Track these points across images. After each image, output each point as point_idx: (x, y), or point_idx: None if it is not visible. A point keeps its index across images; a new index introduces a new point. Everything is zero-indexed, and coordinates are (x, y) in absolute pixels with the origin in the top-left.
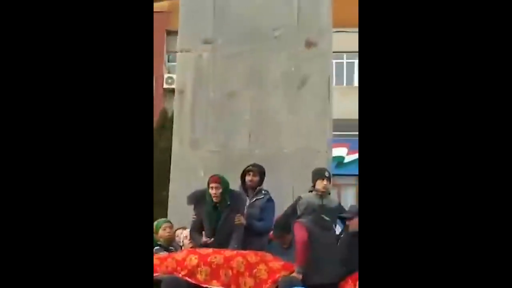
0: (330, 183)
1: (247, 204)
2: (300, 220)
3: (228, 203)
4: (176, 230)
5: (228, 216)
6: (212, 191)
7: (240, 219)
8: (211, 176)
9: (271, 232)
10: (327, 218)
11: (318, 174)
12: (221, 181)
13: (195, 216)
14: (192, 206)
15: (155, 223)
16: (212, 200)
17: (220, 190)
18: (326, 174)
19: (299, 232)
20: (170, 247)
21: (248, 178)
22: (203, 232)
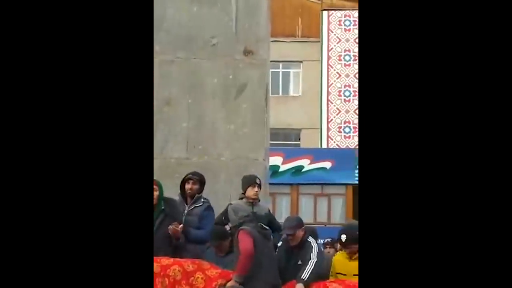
0: (260, 190)
1: (186, 211)
2: (245, 228)
3: (163, 208)
4: None
5: (162, 221)
6: None
7: (176, 228)
8: None
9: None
10: (267, 227)
11: (249, 181)
12: (158, 185)
13: None
14: None
15: None
16: None
17: (157, 193)
18: (257, 181)
19: (245, 241)
20: None
21: (187, 186)
22: None
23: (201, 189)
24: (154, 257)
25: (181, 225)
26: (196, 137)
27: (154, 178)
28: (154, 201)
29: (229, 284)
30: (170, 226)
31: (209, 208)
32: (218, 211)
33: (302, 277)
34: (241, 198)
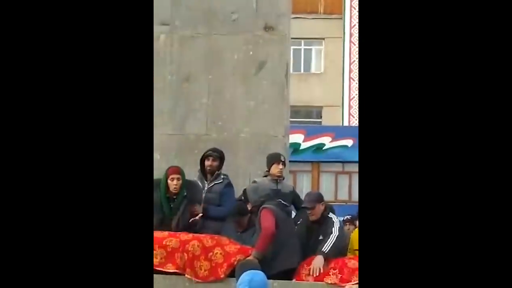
0: (285, 168)
1: (205, 188)
2: (268, 206)
3: (185, 194)
4: None
5: (186, 207)
6: (173, 183)
7: (197, 210)
8: (171, 168)
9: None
10: (287, 204)
11: (274, 159)
12: (181, 173)
13: None
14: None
15: None
16: (166, 191)
17: (180, 182)
18: (282, 158)
19: (268, 219)
20: None
21: (207, 163)
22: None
23: (220, 166)
24: (173, 233)
25: (199, 214)
26: (215, 113)
27: (173, 156)
28: (177, 189)
29: (248, 258)
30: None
31: (229, 185)
32: (237, 187)
33: (322, 249)
34: (266, 176)
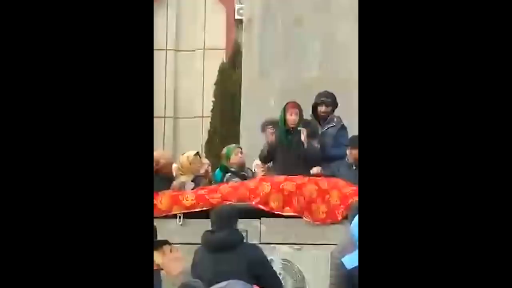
0: None
1: (320, 132)
2: None
3: (300, 128)
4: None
5: (300, 141)
6: (292, 117)
7: (314, 143)
8: (289, 103)
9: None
10: None
11: None
12: (299, 108)
13: (265, 144)
14: (264, 135)
15: (225, 149)
16: (285, 126)
17: (298, 117)
18: None
19: None
20: (242, 172)
21: (320, 109)
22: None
23: (333, 109)
24: (290, 177)
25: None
26: (328, 55)
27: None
28: (295, 124)
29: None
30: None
31: (343, 128)
32: (351, 129)
33: None
34: None
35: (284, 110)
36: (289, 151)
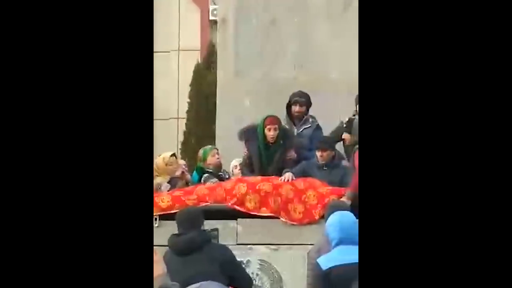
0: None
1: (295, 134)
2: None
3: (281, 142)
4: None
5: (281, 155)
6: (270, 133)
7: (292, 155)
8: (268, 117)
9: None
10: None
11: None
12: (278, 123)
13: (246, 152)
14: (239, 138)
15: (201, 150)
16: (265, 139)
17: (277, 132)
18: None
19: None
20: (219, 174)
21: (294, 108)
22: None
23: (307, 110)
24: (266, 177)
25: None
26: (303, 55)
27: (263, 102)
28: (274, 139)
29: (341, 199)
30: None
31: (318, 128)
32: (327, 129)
33: None
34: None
35: (263, 125)
36: (269, 164)
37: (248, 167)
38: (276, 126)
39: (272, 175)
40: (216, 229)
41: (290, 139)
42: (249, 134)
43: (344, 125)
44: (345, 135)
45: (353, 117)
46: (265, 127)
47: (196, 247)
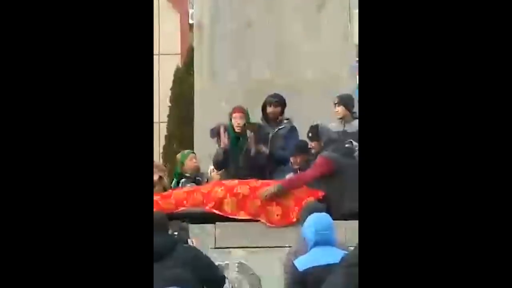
0: (354, 108)
1: (271, 135)
2: (325, 154)
3: (249, 132)
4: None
5: (247, 148)
6: (235, 121)
7: (261, 148)
8: (234, 107)
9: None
10: (349, 144)
11: (342, 100)
12: (244, 112)
13: (217, 150)
14: (215, 140)
15: (179, 155)
16: (234, 132)
17: (244, 121)
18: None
19: (317, 169)
20: (197, 178)
21: (269, 109)
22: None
23: (282, 111)
24: (243, 180)
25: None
26: (278, 58)
27: (239, 104)
28: (240, 128)
29: (315, 201)
30: (253, 148)
31: (293, 129)
32: (302, 130)
33: None
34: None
35: (231, 115)
36: (239, 156)
37: (220, 162)
38: (242, 114)
39: (249, 177)
40: (186, 220)
41: (260, 133)
42: (219, 130)
43: (309, 134)
44: (313, 143)
45: (315, 124)
46: (232, 116)
47: (165, 252)
